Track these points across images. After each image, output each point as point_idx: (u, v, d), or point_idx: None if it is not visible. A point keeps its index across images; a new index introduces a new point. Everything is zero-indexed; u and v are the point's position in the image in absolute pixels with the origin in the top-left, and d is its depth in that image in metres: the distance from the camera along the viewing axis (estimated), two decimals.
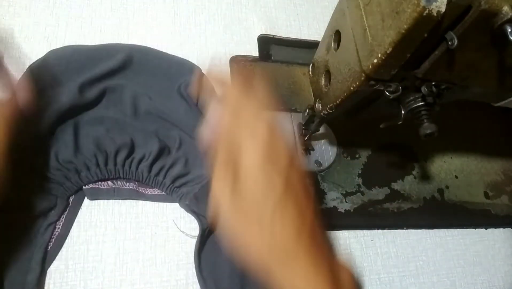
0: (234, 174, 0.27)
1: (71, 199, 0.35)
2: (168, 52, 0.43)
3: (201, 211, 0.36)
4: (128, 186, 0.37)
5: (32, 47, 0.40)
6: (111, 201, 0.36)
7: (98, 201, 0.36)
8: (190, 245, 0.36)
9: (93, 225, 0.35)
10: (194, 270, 0.35)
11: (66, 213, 0.35)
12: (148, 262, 0.35)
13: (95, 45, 0.40)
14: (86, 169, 0.35)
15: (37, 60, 0.38)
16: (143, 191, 0.37)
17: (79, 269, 0.33)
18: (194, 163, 0.38)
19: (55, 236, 0.34)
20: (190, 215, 0.37)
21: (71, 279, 0.33)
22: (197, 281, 0.35)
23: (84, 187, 0.36)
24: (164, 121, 0.39)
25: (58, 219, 0.34)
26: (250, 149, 0.27)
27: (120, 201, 0.37)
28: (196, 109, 0.39)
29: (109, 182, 0.37)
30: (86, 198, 0.36)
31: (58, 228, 0.34)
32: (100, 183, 0.36)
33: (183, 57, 0.44)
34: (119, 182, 0.37)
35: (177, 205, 0.38)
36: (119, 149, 0.36)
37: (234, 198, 0.26)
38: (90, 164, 0.35)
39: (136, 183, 0.37)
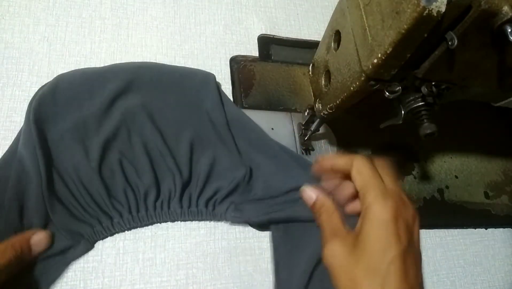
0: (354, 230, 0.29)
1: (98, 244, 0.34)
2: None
3: (251, 217, 0.36)
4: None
5: (32, 47, 0.41)
6: None
7: None
8: (190, 245, 0.36)
9: None
10: (193, 270, 0.35)
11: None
12: (148, 262, 0.35)
13: (102, 67, 0.38)
14: (119, 215, 0.34)
15: (46, 86, 0.36)
16: None
17: (79, 269, 0.33)
18: (218, 177, 0.37)
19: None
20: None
21: (71, 279, 0.33)
22: (197, 281, 0.35)
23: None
24: (183, 143, 0.37)
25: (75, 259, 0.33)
26: (379, 204, 0.28)
27: None
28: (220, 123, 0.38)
29: None
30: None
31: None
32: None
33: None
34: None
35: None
36: (146, 192, 0.35)
37: (352, 250, 0.28)
38: (122, 209, 0.34)
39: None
